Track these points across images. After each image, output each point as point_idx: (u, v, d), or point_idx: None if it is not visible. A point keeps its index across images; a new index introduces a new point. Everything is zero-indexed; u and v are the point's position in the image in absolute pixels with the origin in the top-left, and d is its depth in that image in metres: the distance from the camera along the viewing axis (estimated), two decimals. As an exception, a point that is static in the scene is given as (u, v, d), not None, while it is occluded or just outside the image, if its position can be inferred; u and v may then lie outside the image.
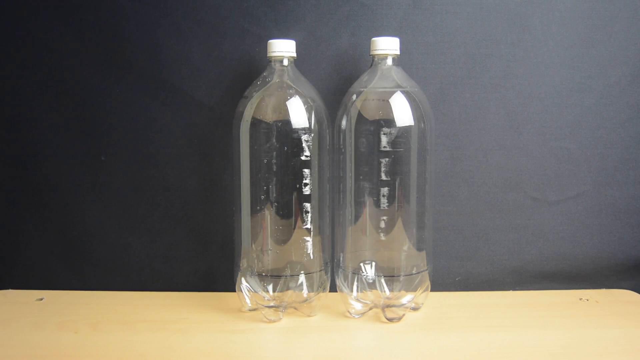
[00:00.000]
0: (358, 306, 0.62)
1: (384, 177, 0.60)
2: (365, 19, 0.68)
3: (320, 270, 0.63)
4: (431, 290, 0.64)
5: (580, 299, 0.70)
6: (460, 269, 0.72)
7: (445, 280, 0.72)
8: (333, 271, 0.65)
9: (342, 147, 0.62)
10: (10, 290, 0.72)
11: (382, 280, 0.61)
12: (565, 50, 0.69)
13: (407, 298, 0.62)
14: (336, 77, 0.69)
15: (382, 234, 0.62)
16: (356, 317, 0.62)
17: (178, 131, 0.70)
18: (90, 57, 0.69)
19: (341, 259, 0.64)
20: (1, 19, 0.68)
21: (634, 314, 0.65)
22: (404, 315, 0.61)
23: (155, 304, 0.67)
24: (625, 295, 0.72)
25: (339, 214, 0.64)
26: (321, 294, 0.63)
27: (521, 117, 0.70)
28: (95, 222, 0.71)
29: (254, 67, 0.67)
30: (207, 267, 0.72)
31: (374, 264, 0.62)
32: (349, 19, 0.68)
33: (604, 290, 0.73)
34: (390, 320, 0.61)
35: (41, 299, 0.69)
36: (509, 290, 0.73)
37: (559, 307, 0.67)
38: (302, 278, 0.61)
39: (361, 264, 0.62)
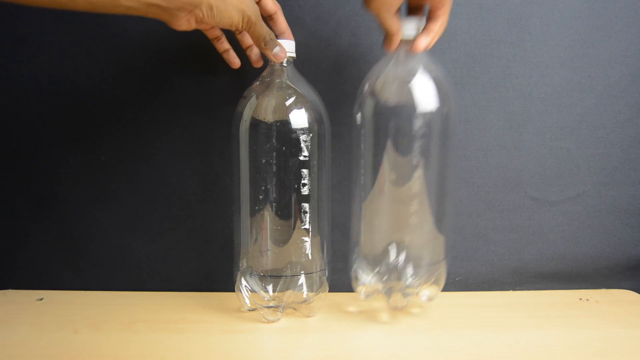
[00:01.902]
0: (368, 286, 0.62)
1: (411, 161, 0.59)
2: (366, 19, 0.68)
3: (320, 271, 0.63)
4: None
5: (580, 299, 0.70)
6: (460, 269, 0.72)
7: (446, 280, 0.72)
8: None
9: (361, 140, 0.61)
10: (10, 290, 0.72)
11: (410, 267, 0.61)
12: (565, 50, 0.69)
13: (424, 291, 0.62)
14: (336, 77, 0.69)
15: (411, 218, 0.61)
16: (363, 297, 0.62)
17: (178, 131, 0.70)
18: (90, 57, 0.69)
19: (361, 241, 0.63)
20: (1, 19, 0.68)
21: (634, 314, 0.65)
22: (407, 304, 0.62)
23: (155, 304, 0.67)
24: (625, 295, 0.72)
25: (359, 198, 0.63)
26: (321, 295, 0.63)
27: (521, 117, 0.70)
28: (95, 222, 0.71)
29: (254, 67, 0.67)
30: (207, 267, 0.72)
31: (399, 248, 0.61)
32: (349, 19, 0.68)
33: (604, 290, 0.73)
34: (396, 308, 0.61)
35: (41, 299, 0.69)
36: (509, 290, 0.73)
37: (559, 307, 0.67)
38: (302, 279, 0.61)
39: (389, 247, 0.62)
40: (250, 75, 0.67)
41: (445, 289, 0.72)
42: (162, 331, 0.59)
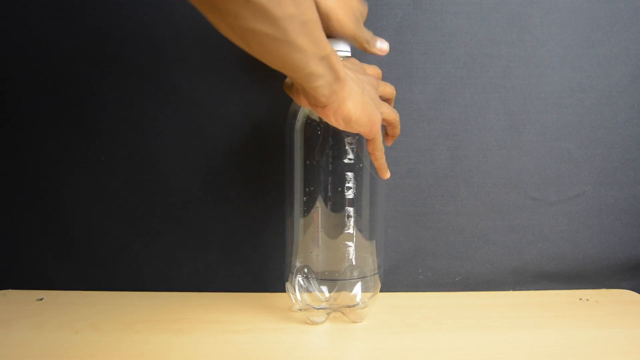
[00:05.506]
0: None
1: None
2: (365, 19, 0.68)
3: (373, 275, 0.61)
4: (431, 291, 0.64)
5: (580, 299, 0.70)
6: (460, 269, 0.72)
7: (445, 280, 0.72)
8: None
9: None
10: (10, 290, 0.72)
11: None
12: (565, 50, 0.69)
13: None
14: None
15: None
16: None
17: (178, 131, 0.70)
18: (90, 57, 0.69)
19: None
20: (1, 19, 0.68)
21: (634, 314, 0.65)
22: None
23: (155, 304, 0.67)
24: (625, 295, 0.72)
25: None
26: (373, 299, 0.62)
27: (521, 117, 0.70)
28: (95, 222, 0.71)
29: (252, 65, 0.67)
30: (207, 267, 0.72)
31: None
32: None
33: (604, 290, 0.73)
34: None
35: (41, 299, 0.69)
36: (509, 290, 0.73)
37: (559, 307, 0.67)
38: (356, 282, 0.60)
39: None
40: (248, 75, 0.67)
41: (445, 289, 0.72)
42: (162, 331, 0.59)
